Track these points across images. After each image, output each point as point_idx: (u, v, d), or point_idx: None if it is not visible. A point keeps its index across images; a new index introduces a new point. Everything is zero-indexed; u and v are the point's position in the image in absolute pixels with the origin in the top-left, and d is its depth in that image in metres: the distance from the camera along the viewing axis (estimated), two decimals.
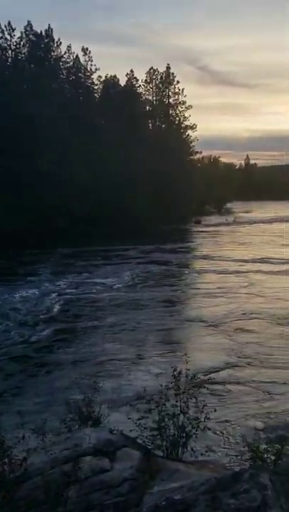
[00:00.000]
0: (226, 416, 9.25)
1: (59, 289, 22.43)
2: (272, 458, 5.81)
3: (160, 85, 65.23)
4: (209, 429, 6.89)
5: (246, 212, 74.38)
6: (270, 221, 57.54)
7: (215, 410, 7.20)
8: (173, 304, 19.36)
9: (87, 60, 54.19)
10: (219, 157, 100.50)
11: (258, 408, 9.71)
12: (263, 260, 28.87)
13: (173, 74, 64.95)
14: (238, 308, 18.01)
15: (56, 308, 19.16)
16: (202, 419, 6.33)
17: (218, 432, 8.52)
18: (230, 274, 25.06)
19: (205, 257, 31.26)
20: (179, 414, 6.34)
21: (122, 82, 60.19)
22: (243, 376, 11.55)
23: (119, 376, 11.65)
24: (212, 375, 10.93)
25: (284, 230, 45.87)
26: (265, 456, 5.85)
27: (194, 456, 6.31)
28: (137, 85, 62.35)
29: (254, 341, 14.12)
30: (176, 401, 6.42)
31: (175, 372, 6.67)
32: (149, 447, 6.26)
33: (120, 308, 18.93)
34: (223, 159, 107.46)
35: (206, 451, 6.55)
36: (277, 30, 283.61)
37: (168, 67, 65.04)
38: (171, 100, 64.90)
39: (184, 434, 6.36)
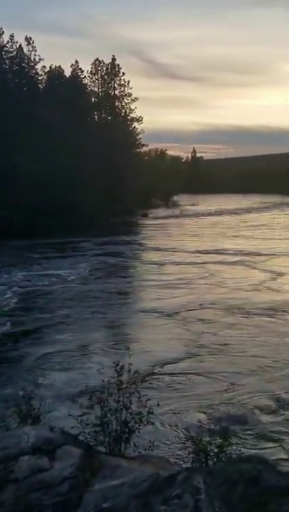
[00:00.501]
0: (172, 409, 9.21)
1: (11, 282, 21.88)
2: (215, 451, 5.77)
3: (106, 77, 64.76)
4: (153, 423, 6.82)
5: (192, 205, 75.05)
6: (217, 214, 58.36)
7: (158, 404, 7.12)
8: (128, 296, 19.28)
9: (31, 49, 53.25)
10: (166, 150, 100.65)
11: (205, 399, 9.69)
12: (216, 251, 29.17)
13: (118, 65, 64.66)
14: (194, 298, 18.07)
15: (7, 301, 18.65)
16: (145, 414, 6.22)
17: (162, 426, 8.46)
18: (185, 265, 25.19)
19: (158, 249, 31.30)
20: (121, 410, 6.23)
21: (67, 73, 59.54)
22: (194, 367, 11.51)
23: (64, 371, 11.45)
24: (161, 367, 10.94)
25: (232, 223, 46.64)
26: (208, 448, 5.80)
27: (137, 452, 6.22)
28: (82, 76, 61.77)
29: (209, 331, 14.11)
30: (119, 396, 6.29)
31: (117, 367, 6.55)
32: (92, 444, 6.12)
33: (73, 300, 18.64)
34: (170, 152, 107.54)
35: (150, 446, 6.49)
36: (223, 23, 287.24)
37: (113, 59, 64.68)
38: (116, 92, 64.54)
39: (127, 430, 6.25)
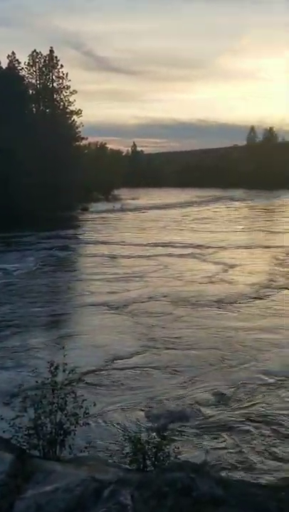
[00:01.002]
0: (114, 407, 8.99)
1: None
2: (154, 450, 5.67)
3: (43, 69, 63.73)
4: (91, 423, 6.66)
5: (133, 199, 75.11)
6: (159, 207, 58.57)
7: (95, 404, 6.93)
8: (77, 290, 18.86)
9: None
10: (106, 144, 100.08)
11: (150, 395, 9.50)
12: (164, 244, 29.13)
13: (56, 58, 63.75)
14: (144, 291, 17.90)
15: None
16: (81, 415, 6.04)
17: (102, 426, 8.26)
18: (134, 258, 25.05)
19: (105, 243, 30.92)
20: (56, 411, 6.02)
21: (4, 64, 58.17)
22: (143, 361, 11.30)
23: None
24: (108, 363, 10.81)
25: (175, 216, 46.90)
26: (146, 448, 5.70)
27: (73, 454, 6.04)
28: (19, 68, 60.55)
29: (159, 324, 13.94)
30: (54, 397, 6.07)
31: (52, 367, 6.32)
32: (25, 448, 5.88)
33: (19, 295, 17.95)
34: (111, 146, 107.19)
35: (86, 448, 6.30)
36: (162, 17, 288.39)
37: (51, 51, 63.68)
38: (55, 84, 63.61)
39: (62, 432, 6.03)
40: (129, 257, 25.38)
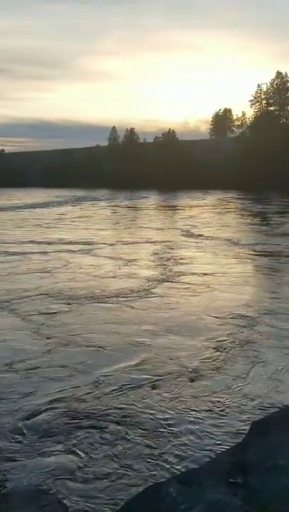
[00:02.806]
0: None
1: None
2: None
3: None
4: None
5: None
6: (27, 207, 57.99)
7: None
8: None
9: None
10: None
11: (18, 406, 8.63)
12: (47, 242, 28.81)
13: None
14: (30, 287, 17.37)
15: None
16: None
17: None
18: (11, 255, 24.48)
19: None
20: None
21: None
22: (26, 363, 10.55)
23: None
24: None
25: (45, 215, 46.72)
26: None
27: None
28: None
29: (52, 322, 13.41)
30: None
31: None
32: None
33: None
34: None
35: None
36: (22, 15, 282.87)
37: None
38: None
39: None
40: (13, 254, 24.90)
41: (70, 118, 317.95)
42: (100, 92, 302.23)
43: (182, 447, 7.15)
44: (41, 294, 16.49)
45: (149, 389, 9.15)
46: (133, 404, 8.54)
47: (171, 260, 22.50)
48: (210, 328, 12.65)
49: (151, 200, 68.65)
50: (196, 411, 8.25)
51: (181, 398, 8.74)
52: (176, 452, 7.02)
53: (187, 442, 7.27)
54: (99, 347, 11.50)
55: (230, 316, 13.61)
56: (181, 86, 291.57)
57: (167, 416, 8.10)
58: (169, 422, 7.89)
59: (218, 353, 10.83)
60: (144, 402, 8.64)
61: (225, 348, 11.15)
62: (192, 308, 14.54)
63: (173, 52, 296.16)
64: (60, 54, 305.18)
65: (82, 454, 7.03)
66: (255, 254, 23.70)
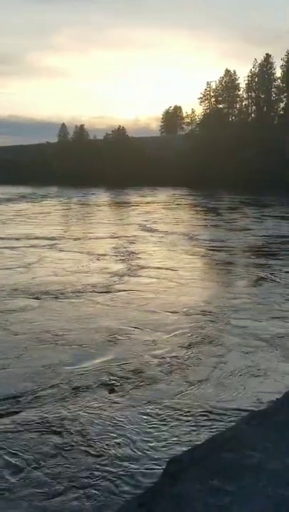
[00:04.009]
0: None
1: None
2: None
3: None
4: None
5: None
6: None
7: None
8: None
9: None
10: None
11: None
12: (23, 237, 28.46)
13: None
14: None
15: None
16: None
17: None
18: None
19: None
20: None
21: None
22: None
23: None
24: None
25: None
26: None
27: None
28: None
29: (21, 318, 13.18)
30: None
31: None
32: None
33: None
34: None
35: None
36: None
37: None
38: None
39: None
40: None
41: (20, 114, 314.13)
42: (50, 88, 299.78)
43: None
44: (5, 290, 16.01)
45: (102, 391, 8.89)
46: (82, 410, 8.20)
47: (133, 255, 22.69)
48: (172, 323, 12.72)
49: (103, 197, 68.57)
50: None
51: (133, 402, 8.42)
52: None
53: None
54: (61, 344, 11.35)
55: (192, 310, 13.84)
56: (132, 83, 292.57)
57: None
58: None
59: (177, 351, 10.91)
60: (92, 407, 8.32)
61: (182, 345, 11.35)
62: (156, 304, 14.54)
63: (124, 50, 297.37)
64: (11, 50, 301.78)
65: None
66: (212, 249, 24.17)
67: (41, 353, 10.72)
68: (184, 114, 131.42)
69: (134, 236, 28.99)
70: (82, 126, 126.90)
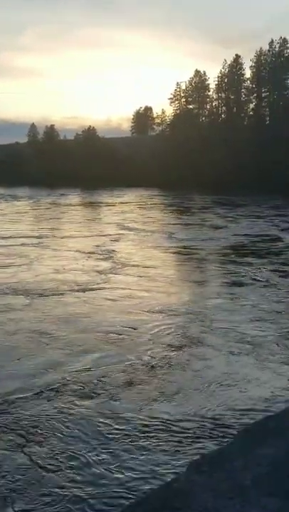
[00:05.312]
0: None
1: None
2: None
3: None
4: None
5: None
6: None
7: None
8: None
9: None
10: None
11: None
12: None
13: None
14: None
15: None
16: None
17: None
18: None
19: None
20: None
21: None
22: None
23: None
24: None
25: None
26: None
27: None
28: None
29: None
30: None
31: None
32: None
33: None
34: None
35: None
36: None
37: None
38: None
39: None
40: None
41: None
42: (19, 88, 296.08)
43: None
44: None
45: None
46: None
47: (113, 253, 23.06)
48: (154, 321, 12.89)
49: (76, 197, 68.22)
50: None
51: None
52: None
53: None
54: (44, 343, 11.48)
55: (172, 309, 14.16)
56: (103, 84, 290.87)
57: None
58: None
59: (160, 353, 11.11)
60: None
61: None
62: (139, 303, 14.70)
63: (94, 50, 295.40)
64: None
65: None
66: (190, 248, 24.56)
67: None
68: (155, 115, 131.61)
69: (115, 234, 29.39)
70: (52, 126, 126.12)
